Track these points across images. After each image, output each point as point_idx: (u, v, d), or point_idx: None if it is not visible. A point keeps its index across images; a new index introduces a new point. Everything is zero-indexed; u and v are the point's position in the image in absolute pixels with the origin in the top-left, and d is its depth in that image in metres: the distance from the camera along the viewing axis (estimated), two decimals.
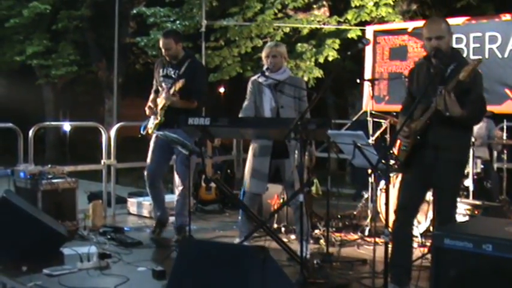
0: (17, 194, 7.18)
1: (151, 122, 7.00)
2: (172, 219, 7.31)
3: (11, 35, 17.96)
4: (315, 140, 5.96)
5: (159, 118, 6.86)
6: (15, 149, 8.36)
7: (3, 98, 19.57)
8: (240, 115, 6.22)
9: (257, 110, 6.20)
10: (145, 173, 7.16)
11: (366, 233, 7.14)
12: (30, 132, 8.19)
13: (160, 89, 7.01)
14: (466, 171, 6.82)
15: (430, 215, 6.18)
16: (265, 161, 6.11)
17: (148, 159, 7.13)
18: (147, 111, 7.05)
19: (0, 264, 5.74)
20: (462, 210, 6.54)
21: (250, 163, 6.26)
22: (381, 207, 7.15)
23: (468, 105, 4.65)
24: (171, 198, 7.66)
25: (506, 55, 8.94)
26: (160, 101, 6.86)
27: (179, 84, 6.61)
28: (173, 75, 6.89)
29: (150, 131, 7.02)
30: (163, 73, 6.99)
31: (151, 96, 7.16)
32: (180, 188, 6.98)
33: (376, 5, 11.42)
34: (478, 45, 9.18)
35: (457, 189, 5.09)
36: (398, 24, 10.97)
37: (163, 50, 6.92)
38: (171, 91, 6.66)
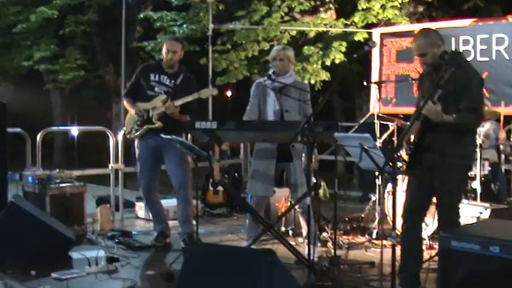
0: (26, 199, 7.21)
1: (134, 125, 6.92)
2: (173, 223, 7.32)
3: (18, 41, 17.98)
4: (322, 143, 5.96)
5: (155, 123, 6.76)
6: (24, 154, 8.39)
7: (11, 103, 19.54)
8: (243, 118, 6.23)
9: (261, 113, 6.21)
10: (140, 189, 7.12)
11: (374, 235, 7.13)
12: (38, 137, 8.23)
13: (149, 92, 6.86)
14: (473, 174, 6.83)
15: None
16: (271, 164, 6.12)
17: (140, 173, 7.04)
18: (138, 114, 6.89)
19: (9, 268, 5.76)
20: (470, 213, 6.53)
21: (255, 166, 6.26)
22: (389, 210, 7.14)
23: (456, 113, 4.69)
24: (173, 203, 7.64)
25: None
26: (157, 107, 6.76)
27: (188, 99, 6.62)
28: (168, 83, 6.84)
29: (133, 136, 6.96)
30: (155, 78, 6.88)
31: (129, 100, 7.01)
32: (182, 193, 6.90)
33: (383, 7, 11.41)
34: (485, 46, 9.18)
35: (457, 194, 5.05)
36: (405, 26, 10.98)
37: (167, 53, 6.81)
38: (177, 103, 6.63)
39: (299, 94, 6.18)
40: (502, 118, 7.84)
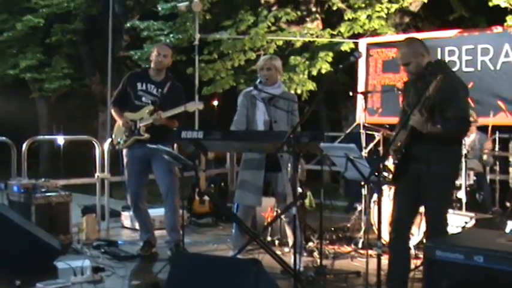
0: (11, 208, 7.18)
1: (122, 136, 6.90)
2: (159, 233, 7.33)
3: (4, 49, 17.92)
4: (307, 153, 5.96)
5: (143, 135, 6.72)
6: (9, 163, 8.35)
7: None
8: (231, 128, 6.22)
9: (249, 123, 6.20)
10: (128, 197, 7.13)
11: (359, 245, 7.14)
12: (24, 146, 8.19)
13: (137, 102, 6.82)
14: (458, 183, 6.86)
15: (423, 227, 6.20)
16: (259, 174, 6.10)
17: (127, 180, 7.05)
18: (126, 125, 6.86)
19: None
20: (455, 222, 6.56)
21: (243, 176, 6.25)
22: (374, 220, 7.16)
23: (444, 123, 4.72)
24: (159, 212, 7.67)
25: (498, 67, 9.01)
26: (144, 118, 6.73)
27: (174, 112, 6.60)
28: (155, 93, 6.80)
29: (121, 146, 6.95)
30: (142, 87, 6.83)
31: (116, 110, 6.96)
32: (169, 200, 6.89)
33: (369, 17, 11.44)
34: (470, 57, 9.25)
35: (445, 203, 5.08)
36: (391, 36, 11.02)
37: (158, 56, 6.76)
38: (164, 116, 6.59)
39: (287, 105, 6.18)
40: (490, 128, 7.92)
